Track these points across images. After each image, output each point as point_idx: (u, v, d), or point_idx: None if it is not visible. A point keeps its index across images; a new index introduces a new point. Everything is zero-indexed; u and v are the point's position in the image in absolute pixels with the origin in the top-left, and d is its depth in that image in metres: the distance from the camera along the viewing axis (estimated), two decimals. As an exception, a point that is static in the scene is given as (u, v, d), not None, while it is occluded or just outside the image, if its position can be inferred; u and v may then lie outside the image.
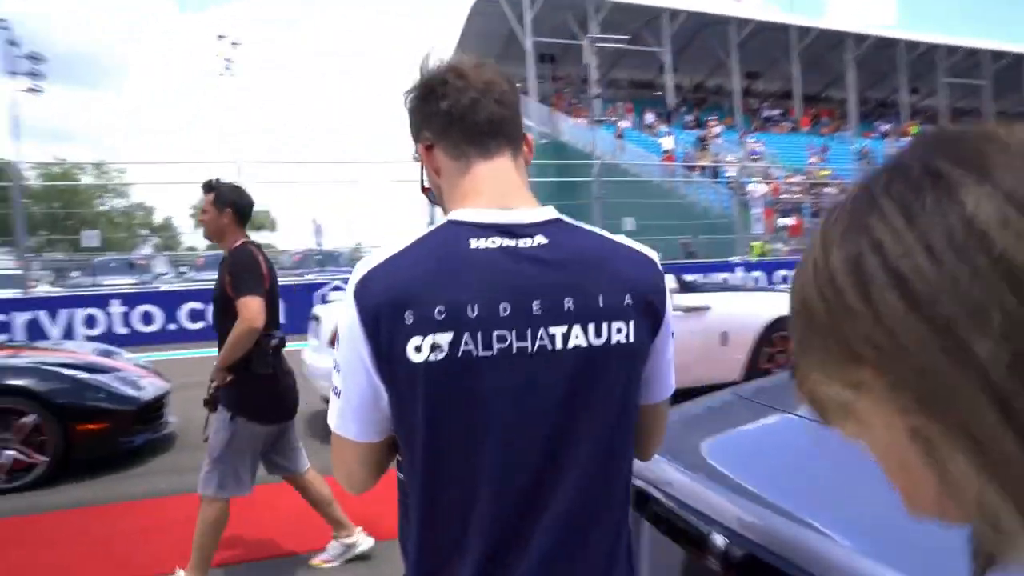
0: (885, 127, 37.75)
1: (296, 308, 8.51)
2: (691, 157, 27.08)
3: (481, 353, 0.96)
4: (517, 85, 1.17)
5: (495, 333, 0.96)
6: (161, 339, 11.27)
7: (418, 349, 0.95)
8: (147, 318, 11.38)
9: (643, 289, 1.04)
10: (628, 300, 1.02)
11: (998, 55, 39.53)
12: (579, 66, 38.70)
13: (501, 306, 0.96)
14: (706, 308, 6.28)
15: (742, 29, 35.22)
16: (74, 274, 20.16)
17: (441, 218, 1.11)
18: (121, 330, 11.17)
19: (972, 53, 39.12)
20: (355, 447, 1.05)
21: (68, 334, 10.90)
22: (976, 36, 38.73)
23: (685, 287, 6.50)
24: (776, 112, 37.80)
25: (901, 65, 37.93)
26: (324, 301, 10.58)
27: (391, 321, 0.95)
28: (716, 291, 6.82)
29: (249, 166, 12.84)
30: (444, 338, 0.95)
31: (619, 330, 1.01)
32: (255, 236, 3.47)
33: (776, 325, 6.58)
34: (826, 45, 36.95)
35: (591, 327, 1.00)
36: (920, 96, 42.79)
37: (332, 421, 1.05)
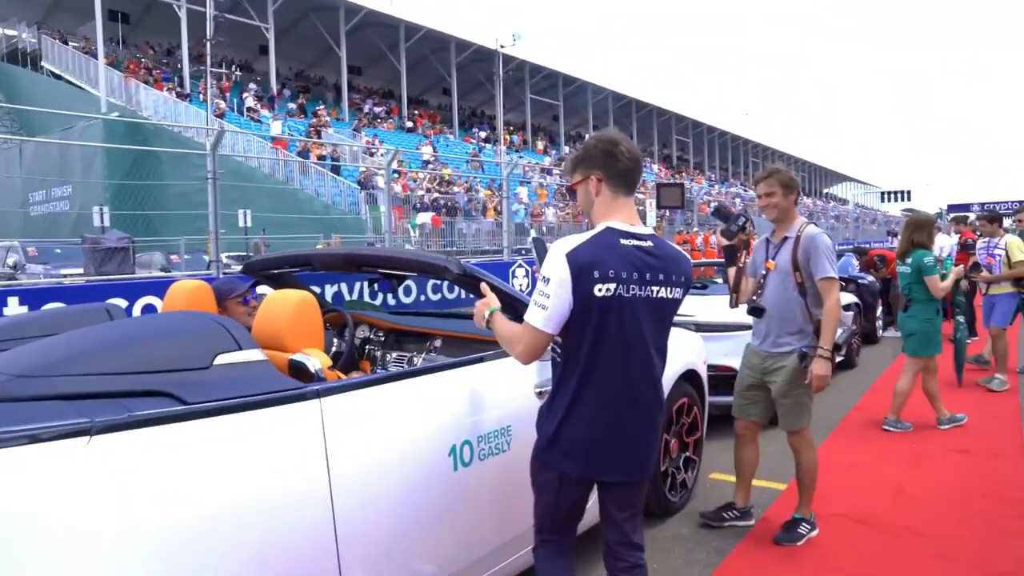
0: (483, 134, 39.44)
1: None
2: (307, 147, 24.00)
3: (626, 295, 2.10)
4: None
5: (631, 286, 2.10)
6: None
7: (599, 290, 2.06)
8: None
9: (685, 273, 2.24)
10: (681, 278, 2.22)
11: (568, 80, 44.31)
12: (160, 33, 32.77)
13: (634, 274, 2.11)
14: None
15: (351, 18, 33.16)
16: None
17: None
18: None
19: (550, 75, 43.18)
20: (546, 337, 2.13)
21: None
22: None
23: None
24: (381, 109, 36.72)
25: (496, 77, 39.88)
26: None
27: (587, 274, 2.05)
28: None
29: None
30: (611, 286, 2.08)
31: (674, 291, 2.21)
32: None
33: (684, 385, 3.95)
34: (430, 48, 36.97)
35: (667, 288, 2.18)
36: (505, 110, 45.99)
37: (538, 322, 2.10)
